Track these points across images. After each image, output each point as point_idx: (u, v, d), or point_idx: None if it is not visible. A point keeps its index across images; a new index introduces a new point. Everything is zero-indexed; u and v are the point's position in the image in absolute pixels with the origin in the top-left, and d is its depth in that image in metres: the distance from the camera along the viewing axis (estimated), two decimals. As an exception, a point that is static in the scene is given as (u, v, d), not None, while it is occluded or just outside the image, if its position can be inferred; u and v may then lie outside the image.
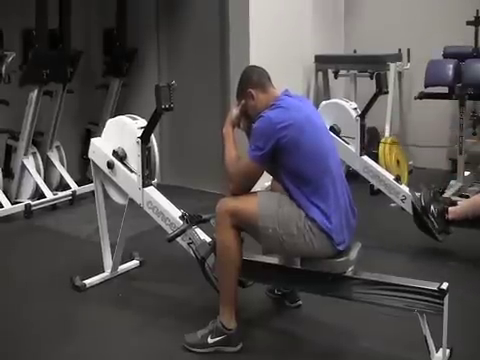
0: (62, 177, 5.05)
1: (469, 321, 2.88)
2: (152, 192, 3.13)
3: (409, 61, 5.80)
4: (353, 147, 4.16)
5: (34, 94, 4.66)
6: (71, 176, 5.09)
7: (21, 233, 4.35)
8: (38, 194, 4.83)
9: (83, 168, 5.50)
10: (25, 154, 4.78)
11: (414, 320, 2.41)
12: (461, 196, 4.49)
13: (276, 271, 2.78)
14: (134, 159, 3.14)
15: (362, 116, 4.19)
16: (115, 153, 3.18)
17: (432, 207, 3.65)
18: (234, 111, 2.79)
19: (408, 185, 4.06)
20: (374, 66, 5.47)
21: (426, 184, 3.86)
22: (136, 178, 3.12)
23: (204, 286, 2.79)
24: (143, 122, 3.18)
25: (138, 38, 5.57)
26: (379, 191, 4.14)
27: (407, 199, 3.83)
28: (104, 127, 3.33)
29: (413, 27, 5.89)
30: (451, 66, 5.10)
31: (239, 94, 2.77)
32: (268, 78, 2.75)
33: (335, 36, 6.38)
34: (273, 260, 2.80)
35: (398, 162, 5.15)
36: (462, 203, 3.79)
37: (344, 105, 4.28)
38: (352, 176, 4.31)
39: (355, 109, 4.25)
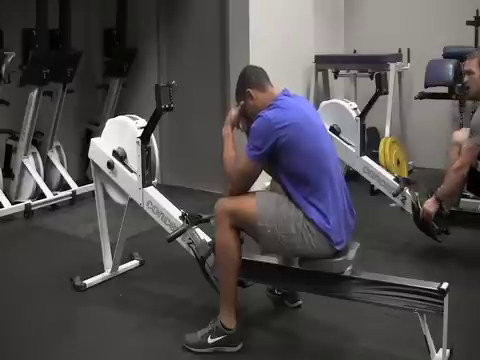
0: (62, 177, 5.05)
1: (469, 321, 2.88)
2: (152, 192, 3.12)
3: (409, 61, 5.79)
4: (353, 147, 4.16)
5: (34, 94, 4.66)
6: (71, 176, 5.09)
7: (21, 233, 4.35)
8: (38, 194, 4.84)
9: (83, 168, 5.50)
10: (25, 154, 4.78)
11: (414, 320, 2.41)
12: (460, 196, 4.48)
13: (276, 271, 2.78)
14: (134, 159, 3.14)
15: (362, 116, 4.18)
16: (115, 153, 3.18)
17: None
18: (233, 112, 2.78)
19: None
20: (374, 66, 5.46)
21: (425, 185, 3.86)
22: (136, 178, 3.12)
23: (204, 286, 2.79)
24: (143, 122, 3.18)
25: (138, 38, 5.57)
26: (379, 191, 4.14)
27: (407, 199, 3.83)
28: (104, 127, 3.33)
29: (413, 27, 5.90)
30: (451, 66, 5.10)
31: (238, 94, 2.76)
32: (267, 78, 2.73)
33: (335, 36, 6.38)
34: (273, 260, 2.79)
35: (398, 162, 5.14)
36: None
37: (344, 105, 4.28)
38: (352, 176, 4.31)
39: (355, 109, 4.25)
